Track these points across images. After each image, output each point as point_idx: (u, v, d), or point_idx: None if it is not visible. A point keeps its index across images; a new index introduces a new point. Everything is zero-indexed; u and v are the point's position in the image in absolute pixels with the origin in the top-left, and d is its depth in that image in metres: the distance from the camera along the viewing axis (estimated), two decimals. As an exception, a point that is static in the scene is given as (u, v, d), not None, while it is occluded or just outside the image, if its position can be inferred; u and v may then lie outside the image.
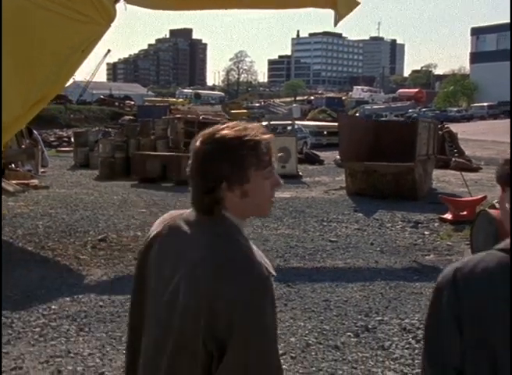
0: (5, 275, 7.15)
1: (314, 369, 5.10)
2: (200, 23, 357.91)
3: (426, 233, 11.07)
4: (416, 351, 5.58)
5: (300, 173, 20.05)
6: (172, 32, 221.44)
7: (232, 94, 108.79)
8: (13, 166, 14.83)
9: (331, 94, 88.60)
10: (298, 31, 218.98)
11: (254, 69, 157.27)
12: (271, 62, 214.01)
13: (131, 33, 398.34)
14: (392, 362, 5.29)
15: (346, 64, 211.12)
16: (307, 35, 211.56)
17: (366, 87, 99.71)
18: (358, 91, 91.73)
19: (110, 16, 9.80)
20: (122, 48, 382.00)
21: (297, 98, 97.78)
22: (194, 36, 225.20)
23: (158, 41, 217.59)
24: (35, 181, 14.60)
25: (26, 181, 13.95)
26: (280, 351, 5.16)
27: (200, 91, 73.82)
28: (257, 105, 66.72)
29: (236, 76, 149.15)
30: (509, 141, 33.51)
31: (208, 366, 1.86)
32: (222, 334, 1.82)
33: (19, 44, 8.96)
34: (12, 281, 7.15)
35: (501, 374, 1.80)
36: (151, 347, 2.02)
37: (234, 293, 1.83)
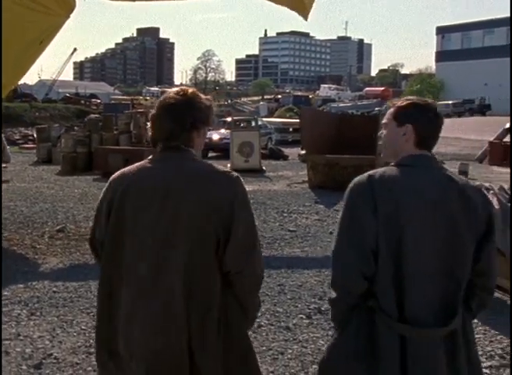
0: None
1: (264, 348, 5.14)
2: (168, 22, 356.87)
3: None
4: (366, 330, 5.68)
5: (264, 168, 20.11)
6: (139, 31, 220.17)
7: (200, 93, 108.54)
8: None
9: (298, 93, 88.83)
10: (266, 30, 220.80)
11: (221, 68, 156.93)
12: (238, 62, 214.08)
13: (98, 32, 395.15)
14: (342, 341, 5.36)
15: (313, 63, 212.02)
16: (274, 34, 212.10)
17: (333, 86, 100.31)
18: (325, 90, 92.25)
19: (69, 7, 9.71)
20: (89, 46, 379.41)
21: (265, 97, 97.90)
22: (162, 35, 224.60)
23: (126, 39, 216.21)
24: (-5, 177, 14.38)
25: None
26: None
27: (167, 90, 73.54)
28: (225, 103, 66.68)
29: (204, 75, 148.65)
30: (472, 137, 34.10)
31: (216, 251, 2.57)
32: (227, 222, 2.54)
33: None
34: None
35: (404, 248, 2.48)
36: (148, 268, 2.54)
37: (231, 193, 2.59)
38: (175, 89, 2.74)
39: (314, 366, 4.82)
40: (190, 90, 2.73)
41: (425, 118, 2.65)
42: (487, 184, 6.98)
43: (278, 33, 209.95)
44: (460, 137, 36.43)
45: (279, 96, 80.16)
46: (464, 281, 2.58)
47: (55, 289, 6.55)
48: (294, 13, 9.28)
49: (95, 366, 4.46)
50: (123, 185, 2.63)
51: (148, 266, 2.56)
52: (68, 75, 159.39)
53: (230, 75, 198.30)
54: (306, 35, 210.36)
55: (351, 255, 2.52)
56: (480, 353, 5.16)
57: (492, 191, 6.64)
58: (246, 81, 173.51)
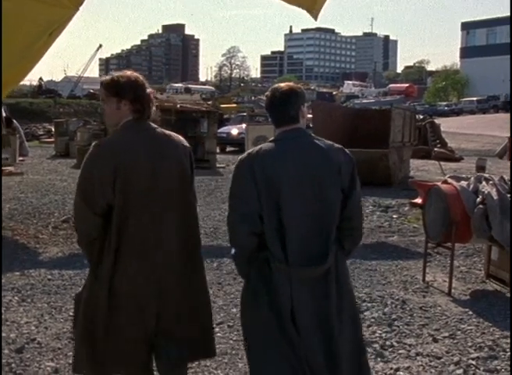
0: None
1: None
2: (193, 19, 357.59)
3: (394, 216, 11.13)
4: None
5: (279, 162, 20.09)
6: (164, 27, 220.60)
7: (225, 90, 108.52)
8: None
9: (323, 90, 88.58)
10: (291, 27, 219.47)
11: (246, 65, 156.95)
12: (263, 58, 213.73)
13: (124, 28, 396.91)
14: (330, 331, 5.31)
15: (338, 60, 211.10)
16: (299, 31, 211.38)
17: (357, 82, 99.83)
18: (349, 86, 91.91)
19: (78, 0, 9.77)
20: (114, 43, 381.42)
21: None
22: (187, 31, 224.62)
23: (151, 36, 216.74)
24: (10, 168, 14.56)
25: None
26: (218, 321, 5.20)
27: (190, 86, 73.64)
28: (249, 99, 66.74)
29: (229, 71, 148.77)
30: (495, 134, 33.66)
31: None
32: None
33: None
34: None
35: (282, 206, 3.09)
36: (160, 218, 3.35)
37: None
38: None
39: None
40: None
41: (272, 106, 3.34)
42: (487, 175, 6.87)
43: (303, 30, 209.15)
44: (483, 133, 36.08)
45: (302, 93, 79.80)
46: (333, 226, 3.20)
47: (49, 277, 6.61)
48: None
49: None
50: None
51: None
52: (94, 71, 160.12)
53: (255, 72, 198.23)
54: (331, 31, 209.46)
55: (239, 218, 3.15)
56: (469, 344, 5.11)
57: (491, 182, 6.54)
58: (271, 78, 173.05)
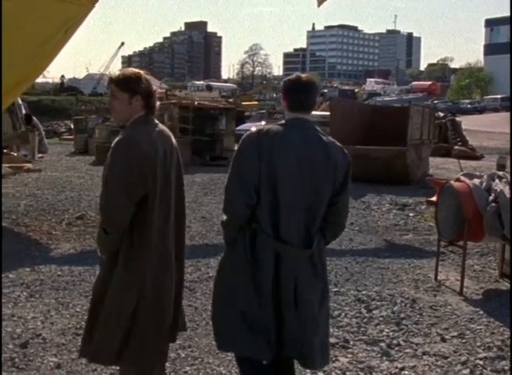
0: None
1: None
2: (216, 16, 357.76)
3: (411, 214, 11.04)
4: (365, 320, 5.58)
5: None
6: (187, 25, 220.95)
7: (247, 87, 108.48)
8: (8, 150, 14.89)
9: (346, 87, 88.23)
10: (313, 24, 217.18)
11: (268, 62, 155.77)
12: (286, 55, 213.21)
13: (146, 26, 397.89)
14: (336, 330, 5.26)
15: (361, 57, 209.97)
16: (322, 28, 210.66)
17: (380, 80, 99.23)
18: (371, 84, 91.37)
19: (94, -3, 9.80)
20: (137, 40, 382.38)
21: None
22: (209, 29, 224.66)
23: (173, 33, 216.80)
24: (28, 165, 14.67)
25: (19, 165, 13.99)
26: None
27: (211, 83, 73.62)
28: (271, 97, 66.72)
29: (251, 69, 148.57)
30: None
31: None
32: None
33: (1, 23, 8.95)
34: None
35: (279, 186, 3.29)
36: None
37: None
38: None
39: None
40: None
41: (293, 89, 3.47)
42: (501, 173, 6.77)
43: (326, 27, 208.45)
44: (505, 131, 35.61)
45: (325, 90, 79.76)
46: (319, 216, 3.42)
47: (59, 273, 6.63)
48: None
49: (79, 347, 4.52)
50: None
51: None
52: (116, 69, 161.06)
53: (278, 69, 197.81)
54: (354, 29, 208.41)
55: (237, 188, 3.33)
56: (478, 344, 5.04)
57: (504, 180, 6.45)
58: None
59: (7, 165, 12.98)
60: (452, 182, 6.94)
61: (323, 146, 3.39)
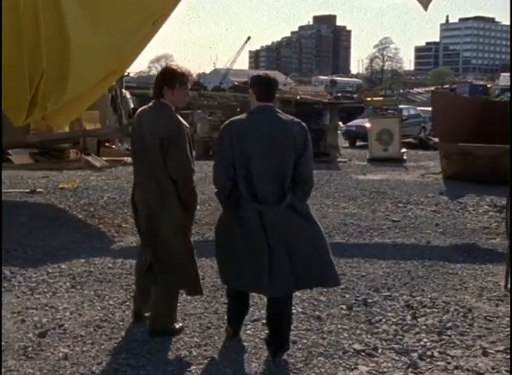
0: (36, 238, 7.54)
1: (278, 336, 4.92)
2: (345, 9, 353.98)
3: (507, 217, 10.32)
4: (405, 327, 5.23)
5: (405, 157, 19.34)
6: (315, 19, 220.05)
7: (376, 83, 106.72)
8: (110, 143, 15.41)
9: (480, 82, 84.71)
10: (447, 16, 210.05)
11: (399, 57, 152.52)
12: (417, 49, 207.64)
13: (274, 20, 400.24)
14: (369, 336, 4.99)
15: (498, 51, 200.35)
16: (456, 20, 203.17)
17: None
18: (505, 79, 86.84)
19: (181, -11, 9.93)
20: (264, 35, 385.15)
21: (444, 87, 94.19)
22: (338, 22, 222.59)
23: (301, 27, 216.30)
24: (125, 159, 15.09)
25: (117, 158, 14.43)
26: (255, 317, 5.04)
27: (336, 78, 73.24)
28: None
29: (381, 63, 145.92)
30: None
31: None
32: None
33: (91, 17, 9.24)
34: (39, 243, 7.51)
35: (250, 161, 4.32)
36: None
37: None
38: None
39: (319, 358, 4.54)
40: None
41: (259, 84, 4.58)
42: None
43: (460, 19, 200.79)
44: None
45: (455, 86, 77.07)
46: (288, 177, 4.39)
47: (110, 265, 6.72)
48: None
49: (97, 339, 4.58)
50: None
51: None
52: (244, 64, 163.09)
53: (408, 64, 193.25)
54: (491, 20, 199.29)
55: (220, 165, 4.40)
56: None
57: None
58: (425, 70, 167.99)
59: (105, 158, 13.47)
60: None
61: (283, 123, 4.42)
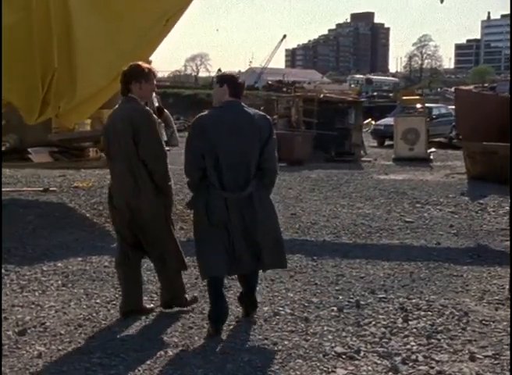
0: (39, 236, 7.58)
1: (260, 337, 4.84)
2: (383, 7, 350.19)
3: (528, 219, 10.05)
4: (394, 330, 5.10)
5: (431, 157, 19.02)
6: (353, 16, 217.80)
7: (415, 81, 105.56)
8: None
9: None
10: (489, 13, 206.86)
11: (438, 55, 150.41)
12: (458, 47, 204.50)
13: (311, 18, 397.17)
14: (354, 339, 4.87)
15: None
16: (498, 17, 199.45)
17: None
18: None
19: (195, -12, 9.90)
20: (301, 33, 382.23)
21: (485, 85, 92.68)
22: (376, 20, 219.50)
23: (339, 25, 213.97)
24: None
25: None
26: (239, 315, 4.95)
27: (371, 77, 72.57)
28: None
29: (419, 61, 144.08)
30: None
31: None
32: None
33: (101, 16, 9.27)
34: (40, 242, 7.55)
35: (218, 151, 4.69)
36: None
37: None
38: None
39: (297, 361, 4.44)
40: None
41: (232, 82, 4.93)
42: None
43: (502, 16, 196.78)
44: None
45: (495, 84, 75.79)
46: (253, 166, 4.80)
47: (106, 264, 6.71)
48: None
49: (76, 338, 4.57)
50: None
51: None
52: (280, 63, 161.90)
53: (448, 62, 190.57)
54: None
55: (191, 156, 4.73)
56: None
57: None
58: (465, 68, 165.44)
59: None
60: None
61: (249, 117, 4.80)
